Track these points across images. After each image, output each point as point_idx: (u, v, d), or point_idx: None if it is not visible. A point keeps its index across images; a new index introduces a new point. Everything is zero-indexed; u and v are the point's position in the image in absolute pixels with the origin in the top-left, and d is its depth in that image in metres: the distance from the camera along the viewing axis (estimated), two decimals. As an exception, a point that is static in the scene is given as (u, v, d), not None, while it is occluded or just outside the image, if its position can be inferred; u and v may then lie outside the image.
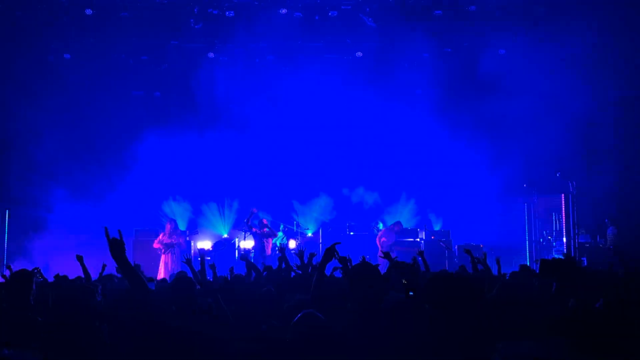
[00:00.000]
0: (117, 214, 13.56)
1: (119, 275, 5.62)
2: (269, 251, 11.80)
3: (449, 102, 13.36)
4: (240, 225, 12.84)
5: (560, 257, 11.13)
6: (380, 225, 13.26)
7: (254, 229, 11.79)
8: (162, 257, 11.41)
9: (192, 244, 12.93)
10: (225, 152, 13.98)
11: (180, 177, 13.95)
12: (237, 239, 13.19)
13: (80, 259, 6.08)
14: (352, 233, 13.28)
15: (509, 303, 3.74)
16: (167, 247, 11.40)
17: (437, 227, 13.57)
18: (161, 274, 10.69)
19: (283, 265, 6.36)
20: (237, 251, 13.00)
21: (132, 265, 4.33)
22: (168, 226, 11.62)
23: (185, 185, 13.97)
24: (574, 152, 12.84)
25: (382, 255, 5.29)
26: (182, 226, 13.60)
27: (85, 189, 13.24)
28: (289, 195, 14.16)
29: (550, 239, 13.33)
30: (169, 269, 11.02)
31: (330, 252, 3.97)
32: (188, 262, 5.82)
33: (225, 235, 13.74)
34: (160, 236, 11.57)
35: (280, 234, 12.78)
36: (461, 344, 2.86)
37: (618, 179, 12.53)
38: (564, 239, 12.66)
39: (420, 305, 3.30)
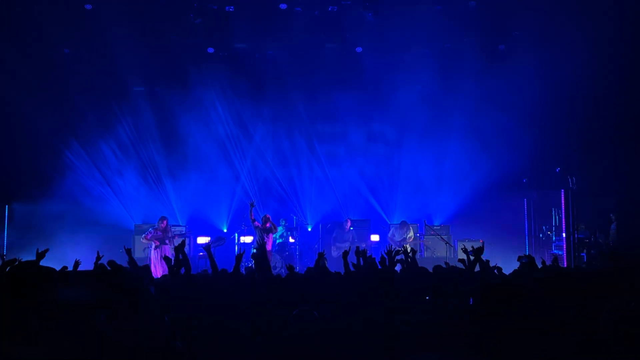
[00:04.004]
0: (116, 210, 13.65)
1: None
2: (269, 247, 11.81)
3: (449, 97, 13.36)
4: (244, 219, 12.86)
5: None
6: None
7: (255, 223, 11.79)
8: (155, 253, 11.40)
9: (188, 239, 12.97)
10: (225, 149, 14.05)
11: (180, 174, 13.99)
12: (236, 234, 13.21)
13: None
14: (351, 228, 13.31)
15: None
16: (162, 242, 11.48)
17: (437, 223, 13.60)
18: (158, 270, 10.65)
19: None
20: (236, 246, 13.02)
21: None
22: (162, 224, 11.62)
23: (185, 182, 14.00)
24: (575, 148, 12.85)
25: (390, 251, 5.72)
26: (181, 221, 13.70)
27: (83, 186, 13.32)
28: (290, 191, 14.20)
29: (549, 235, 13.35)
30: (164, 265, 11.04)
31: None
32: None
33: (225, 231, 13.77)
34: (153, 232, 11.57)
35: (280, 229, 12.79)
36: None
37: (618, 175, 12.54)
38: (564, 235, 12.67)
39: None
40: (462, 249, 6.36)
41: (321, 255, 5.96)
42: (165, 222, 11.67)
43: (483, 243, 12.15)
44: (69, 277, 5.46)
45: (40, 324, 3.28)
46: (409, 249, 6.41)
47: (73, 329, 3.20)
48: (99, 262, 6.42)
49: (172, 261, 5.57)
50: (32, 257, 5.27)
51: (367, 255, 6.07)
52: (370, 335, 3.14)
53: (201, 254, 12.65)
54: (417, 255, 12.44)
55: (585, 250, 12.30)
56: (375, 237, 13.49)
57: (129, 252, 6.41)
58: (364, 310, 3.29)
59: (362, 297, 3.47)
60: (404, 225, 12.77)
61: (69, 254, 11.01)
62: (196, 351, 3.49)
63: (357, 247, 6.00)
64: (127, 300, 3.52)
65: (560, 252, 12.38)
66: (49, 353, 3.03)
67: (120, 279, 3.67)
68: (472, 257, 5.50)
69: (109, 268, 5.15)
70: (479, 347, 3.18)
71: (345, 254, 6.07)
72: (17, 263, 4.68)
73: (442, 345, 3.28)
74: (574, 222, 12.36)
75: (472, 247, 5.62)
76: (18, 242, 11.96)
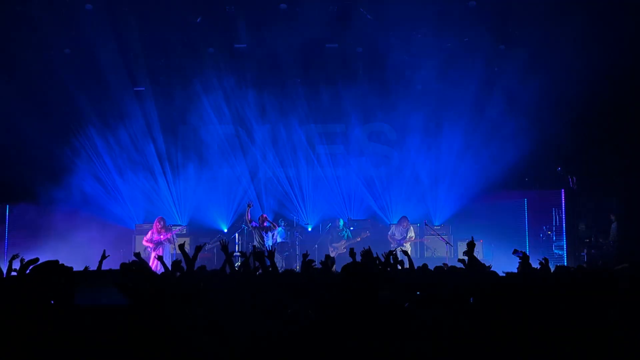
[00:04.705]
0: (117, 209, 13.67)
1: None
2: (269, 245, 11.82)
3: (449, 98, 13.37)
4: (243, 220, 12.89)
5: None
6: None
7: (252, 223, 11.82)
8: (153, 254, 11.45)
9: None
10: (226, 148, 14.09)
11: (181, 173, 14.03)
12: (237, 234, 13.24)
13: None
14: (351, 228, 13.33)
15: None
16: (158, 244, 11.48)
17: (437, 222, 13.60)
18: (158, 271, 10.68)
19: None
20: (237, 246, 13.04)
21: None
22: (157, 224, 11.64)
23: (186, 181, 14.03)
24: (576, 147, 12.84)
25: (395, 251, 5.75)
26: (182, 221, 13.72)
27: (83, 186, 13.35)
28: (290, 190, 14.22)
29: (550, 234, 13.35)
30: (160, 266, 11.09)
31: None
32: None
33: (225, 231, 13.78)
34: (149, 234, 11.60)
35: (280, 230, 12.79)
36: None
37: (618, 175, 12.53)
38: (564, 235, 12.68)
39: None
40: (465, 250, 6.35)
41: (305, 256, 5.95)
42: (162, 222, 11.70)
43: (477, 243, 12.21)
44: (99, 275, 5.49)
45: (64, 323, 3.30)
46: (398, 255, 6.39)
47: (101, 327, 3.21)
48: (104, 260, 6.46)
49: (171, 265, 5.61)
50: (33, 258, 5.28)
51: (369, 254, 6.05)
52: (366, 335, 3.14)
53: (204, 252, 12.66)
54: (417, 255, 12.54)
55: (585, 250, 12.30)
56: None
57: (137, 255, 6.43)
58: (358, 310, 3.30)
59: (356, 297, 3.47)
60: (403, 220, 12.68)
61: (71, 254, 11.08)
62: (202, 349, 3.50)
63: (352, 249, 5.99)
64: (153, 297, 3.55)
65: (560, 252, 12.40)
66: (72, 350, 3.04)
67: (146, 277, 3.70)
68: (465, 257, 5.50)
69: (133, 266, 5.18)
70: (477, 348, 3.19)
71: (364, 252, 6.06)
72: (38, 263, 4.68)
73: (440, 345, 3.28)
74: (574, 222, 12.37)
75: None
76: (19, 243, 11.98)
